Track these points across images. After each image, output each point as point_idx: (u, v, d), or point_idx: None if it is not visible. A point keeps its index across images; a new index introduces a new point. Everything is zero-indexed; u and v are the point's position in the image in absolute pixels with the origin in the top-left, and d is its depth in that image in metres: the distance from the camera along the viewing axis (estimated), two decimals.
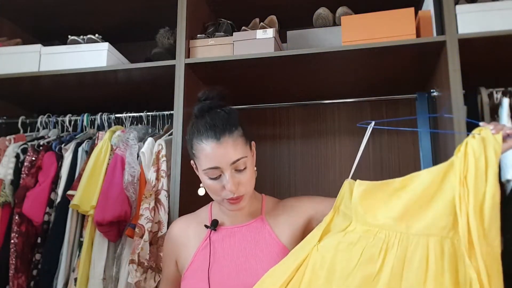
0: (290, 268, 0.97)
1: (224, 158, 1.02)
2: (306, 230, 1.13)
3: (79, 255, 1.47)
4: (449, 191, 0.91)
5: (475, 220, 0.85)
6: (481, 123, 0.97)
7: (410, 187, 0.94)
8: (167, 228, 1.36)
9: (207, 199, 1.67)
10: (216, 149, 1.02)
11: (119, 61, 1.67)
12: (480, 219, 0.85)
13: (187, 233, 1.16)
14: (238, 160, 1.03)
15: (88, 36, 1.65)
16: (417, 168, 1.75)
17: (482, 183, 0.87)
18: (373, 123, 1.09)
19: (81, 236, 1.50)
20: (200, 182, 1.13)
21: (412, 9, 1.38)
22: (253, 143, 1.13)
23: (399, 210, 0.93)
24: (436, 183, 0.92)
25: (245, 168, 1.05)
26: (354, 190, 1.00)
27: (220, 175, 1.04)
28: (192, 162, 1.15)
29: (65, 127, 1.80)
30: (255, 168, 1.11)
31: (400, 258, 0.89)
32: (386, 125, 1.74)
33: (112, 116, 1.75)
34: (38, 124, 1.81)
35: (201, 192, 1.16)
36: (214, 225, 1.13)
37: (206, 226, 1.14)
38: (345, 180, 1.08)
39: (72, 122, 1.80)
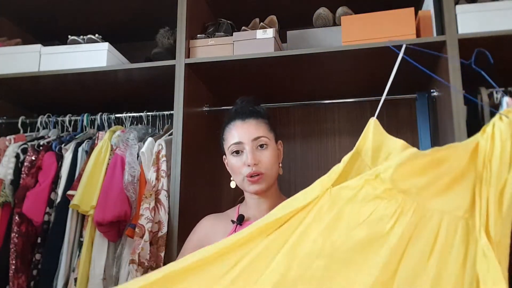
0: (298, 204, 0.90)
1: (246, 134, 1.15)
2: None
3: (79, 255, 1.47)
4: (472, 173, 0.87)
5: (494, 206, 0.82)
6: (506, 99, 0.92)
7: (438, 162, 0.88)
8: (167, 228, 1.36)
9: (207, 199, 1.68)
10: (240, 127, 1.17)
11: (119, 61, 1.67)
12: (498, 207, 0.83)
13: (215, 227, 1.22)
14: (259, 137, 1.14)
15: (88, 36, 1.65)
16: None
17: (505, 170, 0.83)
18: (404, 47, 0.96)
19: (81, 236, 1.50)
20: (229, 177, 1.23)
21: (412, 9, 1.38)
22: (280, 142, 1.24)
23: (425, 181, 0.88)
24: (462, 162, 0.88)
25: (266, 148, 1.15)
26: (397, 158, 0.89)
27: (243, 151, 1.14)
28: (223, 158, 1.26)
29: (65, 127, 1.80)
30: (280, 164, 1.20)
31: (411, 226, 0.86)
32: None
33: (112, 116, 1.75)
34: (38, 124, 1.81)
35: (232, 184, 1.23)
36: (240, 220, 1.18)
37: (233, 221, 1.19)
38: (371, 119, 1.00)
39: (72, 122, 1.80)
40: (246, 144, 1.14)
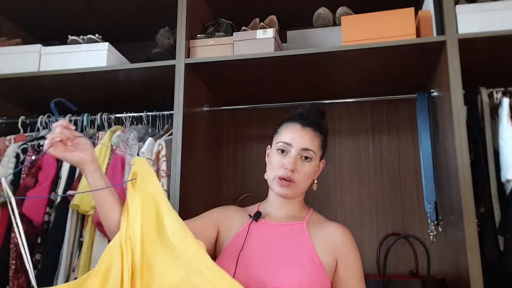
0: None
1: (299, 140, 1.16)
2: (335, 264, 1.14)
3: (79, 255, 1.47)
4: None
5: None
6: None
7: None
8: None
9: (207, 199, 1.67)
10: (297, 130, 1.18)
11: (119, 61, 1.67)
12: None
13: (236, 215, 1.24)
14: (308, 149, 1.16)
15: (88, 36, 1.65)
16: (417, 168, 1.75)
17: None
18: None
19: (81, 236, 1.50)
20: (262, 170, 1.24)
21: (412, 9, 1.38)
22: (323, 161, 1.25)
23: None
24: None
25: (309, 161, 1.17)
26: None
27: (288, 153, 1.16)
28: (267, 147, 1.29)
29: None
30: (315, 181, 1.23)
31: None
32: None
33: (112, 116, 1.75)
34: (38, 124, 1.81)
35: (266, 176, 1.23)
36: (257, 216, 1.21)
37: (250, 216, 1.22)
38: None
39: (72, 122, 1.80)
40: (293, 149, 1.16)
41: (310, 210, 1.25)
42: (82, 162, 1.02)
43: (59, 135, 0.98)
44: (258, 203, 1.29)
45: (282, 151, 1.18)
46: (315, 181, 1.24)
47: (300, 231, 1.16)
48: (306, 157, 1.16)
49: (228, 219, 1.24)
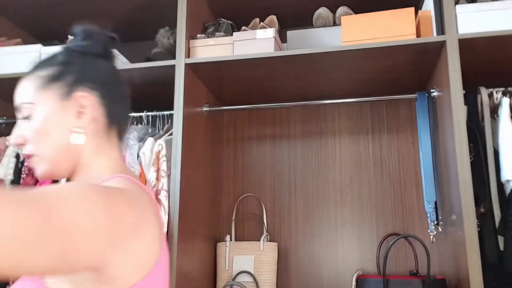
0: None
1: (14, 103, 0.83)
2: None
3: None
4: None
5: None
6: None
7: None
8: (167, 228, 1.36)
9: (207, 199, 1.68)
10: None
11: (119, 61, 1.67)
12: None
13: None
14: (18, 106, 0.84)
15: None
16: (417, 168, 1.75)
17: None
18: None
19: None
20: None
21: (412, 9, 1.38)
22: (82, 94, 0.78)
23: None
24: None
25: (29, 118, 0.79)
26: None
27: None
28: None
29: None
30: (78, 129, 0.77)
31: None
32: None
33: None
34: None
35: None
36: None
37: None
38: None
39: None
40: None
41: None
42: None
43: None
44: None
45: None
46: (77, 130, 0.77)
47: None
48: (25, 117, 0.80)
49: None
